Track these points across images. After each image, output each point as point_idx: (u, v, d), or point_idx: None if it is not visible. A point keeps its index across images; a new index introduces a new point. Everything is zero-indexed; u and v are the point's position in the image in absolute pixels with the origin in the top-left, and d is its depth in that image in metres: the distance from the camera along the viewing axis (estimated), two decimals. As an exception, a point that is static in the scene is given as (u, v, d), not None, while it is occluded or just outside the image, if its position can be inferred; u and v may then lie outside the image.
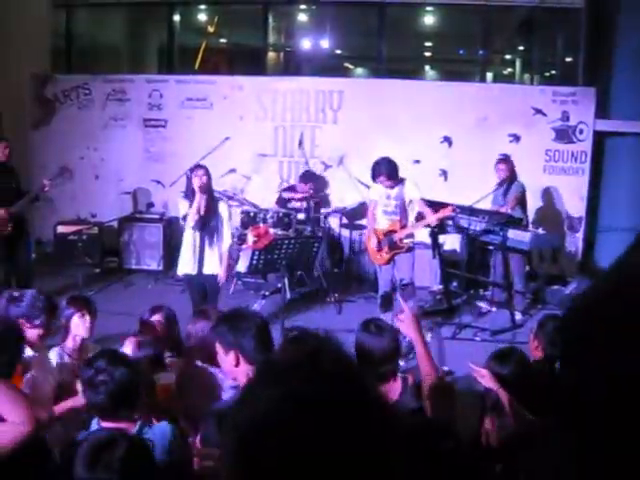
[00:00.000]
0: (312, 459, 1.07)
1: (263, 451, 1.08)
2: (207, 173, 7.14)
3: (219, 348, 3.45)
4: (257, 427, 1.11)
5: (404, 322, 3.36)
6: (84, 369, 3.43)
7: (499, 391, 3.70)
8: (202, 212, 7.03)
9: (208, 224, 7.10)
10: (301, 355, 1.22)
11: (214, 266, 7.19)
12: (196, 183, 7.02)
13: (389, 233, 8.02)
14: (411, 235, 8.13)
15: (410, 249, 8.04)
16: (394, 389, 3.84)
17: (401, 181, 7.98)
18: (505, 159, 9.10)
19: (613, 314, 1.13)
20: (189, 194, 7.16)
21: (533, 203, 9.67)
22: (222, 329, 3.47)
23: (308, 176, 10.19)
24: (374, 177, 7.97)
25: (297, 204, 9.95)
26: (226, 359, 3.41)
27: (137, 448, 2.46)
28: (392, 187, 7.93)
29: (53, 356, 4.58)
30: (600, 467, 1.13)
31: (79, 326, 4.67)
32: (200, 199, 7.01)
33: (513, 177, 8.99)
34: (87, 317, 4.69)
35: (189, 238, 7.16)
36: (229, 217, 7.38)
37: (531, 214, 9.44)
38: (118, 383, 3.27)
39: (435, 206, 8.08)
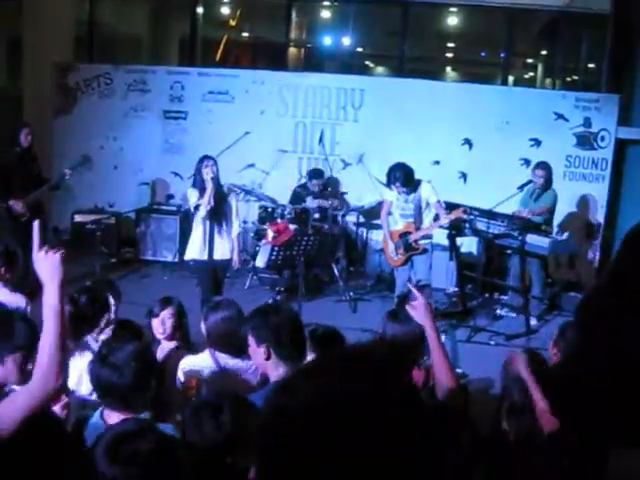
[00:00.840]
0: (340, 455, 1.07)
1: (296, 441, 1.09)
2: (216, 164, 7.40)
3: (251, 341, 3.47)
4: (291, 416, 1.12)
5: (417, 310, 3.34)
6: (109, 347, 3.44)
7: (530, 382, 3.65)
8: (212, 202, 7.22)
9: (218, 213, 7.33)
10: (342, 355, 1.22)
11: (224, 252, 7.44)
12: (208, 174, 7.24)
13: (404, 234, 8.04)
14: (428, 237, 8.13)
15: (425, 250, 8.05)
16: (417, 378, 3.87)
17: (418, 184, 7.99)
18: (543, 165, 9.01)
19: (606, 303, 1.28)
20: (197, 184, 7.38)
21: (553, 209, 9.64)
22: (257, 322, 3.49)
23: (318, 173, 10.20)
24: (389, 183, 8.00)
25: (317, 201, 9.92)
26: (258, 351, 3.44)
27: (165, 442, 2.43)
28: (408, 193, 7.95)
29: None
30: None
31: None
32: (212, 189, 7.21)
33: (549, 184, 8.92)
34: (111, 301, 4.72)
35: (199, 226, 7.39)
36: (237, 207, 7.64)
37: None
38: (144, 367, 3.28)
39: (451, 208, 8.09)
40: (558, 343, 4.58)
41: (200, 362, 4.24)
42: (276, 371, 3.40)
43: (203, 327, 4.42)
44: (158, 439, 2.39)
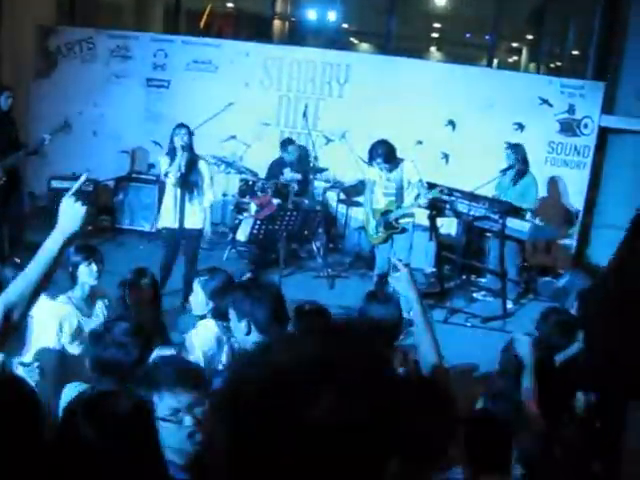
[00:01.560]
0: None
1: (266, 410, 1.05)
2: (189, 132, 7.51)
3: (232, 315, 3.44)
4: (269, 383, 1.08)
5: (401, 281, 3.30)
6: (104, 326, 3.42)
7: (527, 366, 3.65)
8: (183, 169, 7.32)
9: (189, 181, 7.42)
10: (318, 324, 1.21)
11: (195, 220, 7.54)
12: (177, 142, 7.36)
13: (385, 213, 8.03)
14: (410, 215, 8.12)
15: (405, 230, 8.04)
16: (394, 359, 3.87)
17: (399, 162, 7.97)
18: (513, 145, 9.03)
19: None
20: (170, 152, 7.48)
21: (533, 193, 9.66)
22: (238, 296, 3.46)
23: (290, 140, 10.16)
24: (371, 159, 7.97)
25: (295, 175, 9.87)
26: (238, 326, 3.41)
27: (141, 407, 2.39)
28: (390, 170, 7.93)
29: (62, 303, 4.54)
30: None
31: (86, 274, 4.64)
32: (181, 157, 7.31)
33: (525, 168, 8.92)
34: (94, 265, 4.66)
35: (170, 194, 7.48)
36: (210, 176, 7.76)
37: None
38: (144, 340, 3.27)
39: (431, 188, 8.10)
40: (540, 327, 4.63)
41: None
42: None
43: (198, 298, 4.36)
44: (135, 403, 2.35)
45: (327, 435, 1.02)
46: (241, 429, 1.06)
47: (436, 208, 8.56)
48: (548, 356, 4.08)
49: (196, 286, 4.37)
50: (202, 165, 7.66)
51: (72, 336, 4.48)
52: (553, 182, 10.12)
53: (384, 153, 7.83)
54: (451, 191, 8.55)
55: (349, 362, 1.09)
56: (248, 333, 3.38)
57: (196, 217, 7.54)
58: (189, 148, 7.42)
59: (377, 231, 8.22)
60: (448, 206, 8.51)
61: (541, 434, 3.29)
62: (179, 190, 7.41)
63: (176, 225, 7.47)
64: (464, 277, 9.48)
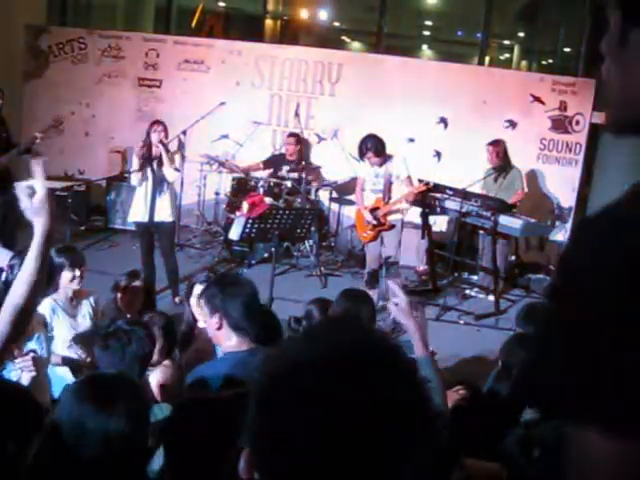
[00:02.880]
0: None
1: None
2: (165, 129, 7.59)
3: (206, 309, 3.44)
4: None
5: (400, 310, 3.23)
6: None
7: None
8: (155, 165, 7.46)
9: (159, 176, 7.47)
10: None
11: (165, 213, 7.58)
12: (155, 138, 7.43)
13: (374, 210, 8.03)
14: (398, 212, 8.11)
15: (392, 226, 8.03)
16: None
17: (389, 158, 7.98)
18: (494, 142, 9.06)
19: None
20: (144, 147, 7.53)
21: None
22: (211, 291, 3.46)
23: (293, 134, 10.16)
24: (361, 154, 7.98)
25: (292, 174, 9.88)
26: (210, 321, 3.41)
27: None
28: (380, 165, 7.92)
29: (46, 307, 4.54)
30: None
31: (69, 279, 4.64)
32: (156, 151, 7.47)
33: (506, 164, 8.97)
34: (77, 270, 4.65)
35: (141, 189, 7.55)
36: (179, 162, 7.83)
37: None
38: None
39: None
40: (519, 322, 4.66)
41: None
42: (229, 341, 3.37)
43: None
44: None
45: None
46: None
47: (428, 206, 8.58)
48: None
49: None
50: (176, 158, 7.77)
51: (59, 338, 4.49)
52: (545, 179, 10.14)
53: (373, 146, 7.83)
54: (443, 188, 8.57)
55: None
56: (219, 328, 3.38)
57: (166, 210, 7.60)
58: (164, 144, 7.49)
59: (366, 229, 8.23)
60: (439, 203, 8.54)
61: None
62: (150, 184, 7.48)
63: (146, 219, 7.53)
64: (456, 274, 9.51)
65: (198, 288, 4.41)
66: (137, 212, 7.61)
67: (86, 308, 4.85)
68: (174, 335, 4.36)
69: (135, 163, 7.56)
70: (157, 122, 7.69)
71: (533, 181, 9.99)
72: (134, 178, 7.56)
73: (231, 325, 3.36)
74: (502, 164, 8.96)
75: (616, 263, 0.98)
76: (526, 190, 9.10)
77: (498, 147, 8.98)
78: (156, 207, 7.50)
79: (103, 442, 2.26)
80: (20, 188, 2.42)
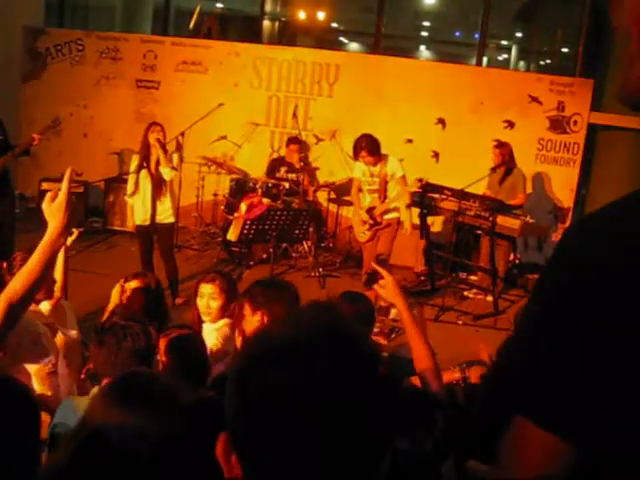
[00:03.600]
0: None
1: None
2: (163, 130, 7.61)
3: (247, 309, 3.45)
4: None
5: (386, 288, 3.25)
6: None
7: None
8: (152, 168, 7.46)
9: (159, 177, 7.48)
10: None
11: (166, 215, 7.60)
12: (152, 139, 7.43)
13: (370, 210, 8.03)
14: (394, 211, 8.08)
15: (389, 225, 8.01)
16: None
17: (384, 158, 7.97)
18: (500, 145, 9.08)
19: None
20: (143, 149, 7.55)
21: (523, 191, 9.69)
22: (255, 290, 3.48)
23: (295, 141, 10.14)
24: (355, 154, 7.97)
25: (290, 175, 9.88)
26: (252, 320, 3.41)
27: None
28: (374, 164, 7.91)
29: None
30: None
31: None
32: (155, 154, 7.45)
33: (511, 165, 8.98)
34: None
35: (142, 192, 7.53)
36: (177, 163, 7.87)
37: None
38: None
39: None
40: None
41: None
42: None
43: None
44: None
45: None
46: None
47: (427, 206, 8.58)
48: None
49: None
50: (175, 158, 7.79)
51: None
52: (543, 179, 10.15)
53: (367, 146, 7.83)
54: (441, 189, 8.58)
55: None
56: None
57: (166, 212, 7.63)
58: (162, 145, 7.50)
59: (363, 229, 8.21)
60: (439, 204, 8.54)
61: None
62: (150, 187, 7.49)
63: (148, 222, 7.54)
64: (455, 275, 9.51)
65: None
66: (140, 216, 7.60)
67: (70, 318, 4.83)
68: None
69: (134, 162, 7.60)
70: (155, 124, 7.71)
71: (531, 181, 10.00)
72: (129, 187, 7.59)
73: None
74: (508, 166, 8.96)
75: (562, 265, 1.11)
76: (529, 192, 9.09)
77: (504, 149, 8.98)
78: (157, 210, 7.53)
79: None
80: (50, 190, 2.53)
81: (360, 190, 8.23)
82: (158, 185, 7.51)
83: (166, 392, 2.36)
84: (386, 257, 8.03)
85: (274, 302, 3.41)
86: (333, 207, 10.53)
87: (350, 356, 1.10)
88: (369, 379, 1.10)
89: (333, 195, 10.43)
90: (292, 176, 9.83)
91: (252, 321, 3.43)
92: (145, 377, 2.45)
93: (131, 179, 7.60)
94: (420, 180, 8.21)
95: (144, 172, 7.47)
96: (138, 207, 7.60)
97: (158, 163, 7.45)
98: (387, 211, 8.00)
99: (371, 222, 8.04)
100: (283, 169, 9.95)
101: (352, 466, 1.08)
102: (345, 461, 1.07)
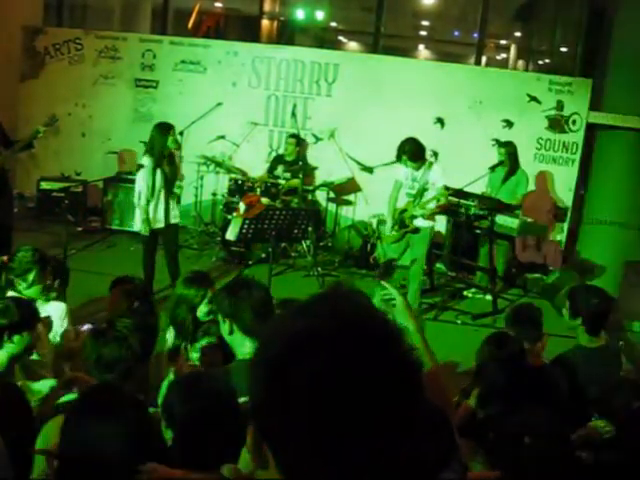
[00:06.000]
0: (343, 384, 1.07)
1: (294, 376, 1.08)
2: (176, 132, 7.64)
3: (220, 316, 3.43)
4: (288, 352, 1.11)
5: (398, 310, 3.16)
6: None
7: None
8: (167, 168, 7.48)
9: (172, 180, 7.56)
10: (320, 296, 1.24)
11: (174, 215, 7.68)
12: (172, 142, 7.42)
13: (402, 212, 8.00)
14: (430, 220, 8.00)
15: (417, 230, 7.94)
16: None
17: (428, 164, 7.92)
18: (505, 144, 9.08)
19: None
20: (155, 153, 7.43)
21: (522, 190, 9.68)
22: (221, 297, 3.45)
23: (294, 136, 10.13)
24: (398, 156, 7.91)
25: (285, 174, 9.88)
26: (223, 327, 3.40)
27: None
28: (417, 169, 7.87)
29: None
30: None
31: None
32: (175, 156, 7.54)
33: (515, 165, 8.95)
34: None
35: (157, 194, 7.48)
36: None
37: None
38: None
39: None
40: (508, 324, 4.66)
41: None
42: (242, 347, 3.35)
43: None
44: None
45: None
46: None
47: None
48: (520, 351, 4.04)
49: None
50: (177, 157, 7.78)
51: None
52: (542, 179, 10.14)
53: (410, 150, 7.79)
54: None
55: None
56: (231, 332, 3.37)
57: (176, 212, 7.70)
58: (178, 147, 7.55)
59: (392, 229, 8.18)
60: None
61: None
62: (164, 189, 7.48)
63: (163, 224, 7.54)
64: (454, 274, 9.51)
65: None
66: (158, 219, 7.52)
67: None
68: None
69: (150, 164, 7.44)
70: (172, 126, 7.62)
71: (529, 181, 9.98)
72: (147, 192, 7.42)
73: (243, 330, 3.34)
74: (512, 166, 8.94)
75: None
76: (532, 188, 9.06)
77: (509, 149, 8.97)
78: (170, 211, 7.60)
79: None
80: None
81: (397, 190, 8.16)
82: (170, 187, 7.54)
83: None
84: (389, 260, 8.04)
85: (239, 308, 3.38)
86: (332, 207, 10.52)
87: (375, 340, 1.11)
88: (395, 357, 1.12)
89: (332, 194, 10.43)
90: (288, 175, 9.81)
91: (224, 328, 3.43)
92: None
93: (149, 182, 7.42)
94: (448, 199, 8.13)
95: (160, 174, 7.43)
96: (154, 210, 7.51)
97: (171, 163, 7.47)
98: (417, 216, 7.91)
99: (398, 224, 8.01)
100: (280, 167, 9.94)
101: (376, 450, 1.08)
102: (370, 443, 1.07)
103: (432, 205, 7.87)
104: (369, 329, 1.12)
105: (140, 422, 2.37)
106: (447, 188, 7.97)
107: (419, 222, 7.90)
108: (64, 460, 2.34)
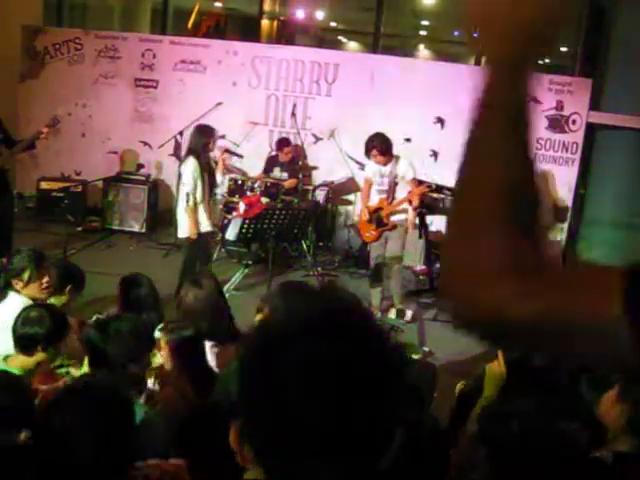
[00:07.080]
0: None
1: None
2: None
3: None
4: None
5: None
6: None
7: None
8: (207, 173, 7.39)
9: (211, 181, 7.53)
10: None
11: (208, 216, 7.52)
12: (213, 145, 7.41)
13: (377, 210, 8.01)
14: (403, 213, 8.06)
15: (395, 226, 8.00)
16: None
17: (395, 159, 7.95)
18: None
19: None
20: (202, 157, 7.28)
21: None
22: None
23: (284, 142, 10.10)
24: (367, 151, 7.94)
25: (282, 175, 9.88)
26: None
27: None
28: (385, 164, 7.89)
29: None
30: None
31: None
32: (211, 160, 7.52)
33: None
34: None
35: (201, 197, 7.32)
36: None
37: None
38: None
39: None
40: None
41: None
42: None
43: None
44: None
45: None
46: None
47: (427, 206, 8.56)
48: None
49: None
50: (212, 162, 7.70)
51: None
52: (542, 179, 10.11)
53: (378, 145, 7.80)
54: (440, 188, 8.57)
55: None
56: None
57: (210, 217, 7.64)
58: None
59: (369, 229, 8.20)
60: (441, 204, 8.54)
61: None
62: (207, 192, 7.46)
63: (210, 227, 7.53)
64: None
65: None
66: (203, 221, 7.39)
67: None
68: None
69: (196, 169, 7.25)
70: (214, 129, 7.61)
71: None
72: (198, 194, 7.27)
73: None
74: None
75: None
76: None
77: None
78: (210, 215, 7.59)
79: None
80: None
81: (369, 188, 8.19)
82: (210, 191, 7.57)
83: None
84: (399, 258, 8.08)
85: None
86: (332, 206, 10.52)
87: (357, 330, 1.14)
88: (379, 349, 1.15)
89: (331, 194, 10.42)
90: (285, 175, 9.81)
91: None
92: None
93: (198, 185, 7.28)
94: (429, 186, 8.13)
95: (204, 178, 7.32)
96: (201, 214, 7.37)
97: (211, 169, 7.46)
98: (394, 212, 7.97)
99: (375, 222, 8.02)
100: (277, 169, 9.93)
101: (364, 439, 1.09)
102: (357, 434, 1.09)
103: (404, 203, 7.97)
104: (353, 326, 1.14)
105: (119, 419, 2.37)
106: (420, 182, 8.05)
107: (395, 218, 7.97)
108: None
